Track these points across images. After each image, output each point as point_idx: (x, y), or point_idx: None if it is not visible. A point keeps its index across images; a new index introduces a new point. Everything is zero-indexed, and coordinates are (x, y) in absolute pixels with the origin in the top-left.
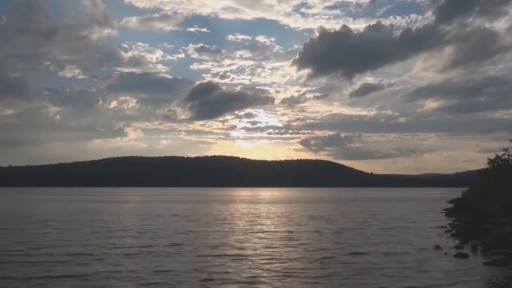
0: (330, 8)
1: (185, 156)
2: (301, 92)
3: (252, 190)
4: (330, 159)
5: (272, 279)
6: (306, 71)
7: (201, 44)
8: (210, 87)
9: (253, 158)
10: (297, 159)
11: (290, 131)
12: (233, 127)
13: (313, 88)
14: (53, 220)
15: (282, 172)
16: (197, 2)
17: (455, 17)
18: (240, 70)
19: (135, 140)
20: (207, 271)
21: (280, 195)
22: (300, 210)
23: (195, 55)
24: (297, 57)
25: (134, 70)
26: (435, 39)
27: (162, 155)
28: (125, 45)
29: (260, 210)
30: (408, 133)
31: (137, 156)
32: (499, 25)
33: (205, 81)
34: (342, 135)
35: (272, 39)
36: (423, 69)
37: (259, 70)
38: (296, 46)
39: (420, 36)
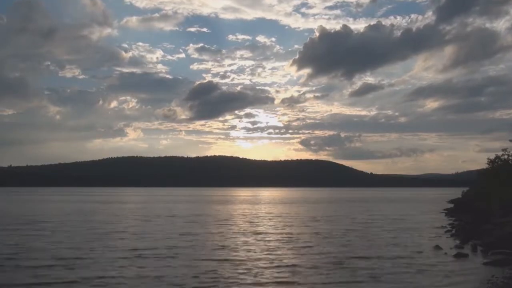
0: (330, 8)
1: (185, 156)
2: (301, 92)
3: (252, 190)
4: (330, 159)
5: (274, 287)
6: (306, 71)
7: (202, 44)
8: (210, 87)
9: (253, 158)
10: (297, 159)
11: (290, 131)
12: (233, 127)
13: (313, 88)
14: (47, 221)
15: (282, 172)
16: (198, 2)
17: (456, 17)
18: (240, 70)
19: (135, 140)
20: (203, 277)
21: (280, 195)
22: (301, 211)
23: (196, 55)
24: (297, 57)
25: (134, 70)
26: (435, 39)
27: (162, 155)
28: (125, 45)
29: (260, 211)
30: (408, 133)
31: (137, 156)
32: (500, 25)
33: (205, 81)
34: (342, 135)
35: (273, 39)
36: (424, 69)
37: (259, 70)
38: (296, 46)
39: (420, 36)
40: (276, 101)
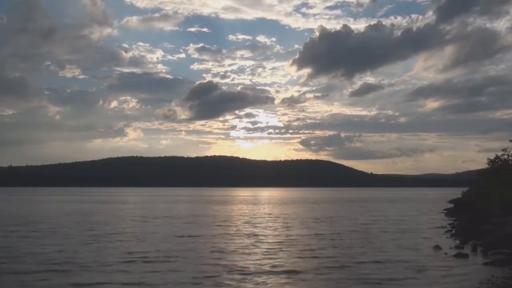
0: (331, 8)
1: (185, 156)
2: (301, 92)
3: (252, 190)
4: (330, 159)
5: None
6: (306, 71)
7: (202, 44)
8: (210, 87)
9: (253, 158)
10: (297, 159)
11: (290, 131)
12: (233, 127)
13: (314, 88)
14: (44, 222)
15: (282, 172)
16: (198, 2)
17: (456, 16)
18: (240, 70)
19: (135, 140)
20: (200, 284)
21: (280, 195)
22: (301, 211)
23: (196, 55)
24: (297, 56)
25: (134, 70)
26: (435, 38)
27: (162, 155)
28: (126, 45)
29: (260, 212)
30: (409, 133)
31: (137, 156)
32: (500, 24)
33: (205, 81)
34: (342, 135)
35: (273, 39)
36: (424, 68)
37: (259, 70)
38: (296, 46)
39: (420, 36)
40: (276, 101)
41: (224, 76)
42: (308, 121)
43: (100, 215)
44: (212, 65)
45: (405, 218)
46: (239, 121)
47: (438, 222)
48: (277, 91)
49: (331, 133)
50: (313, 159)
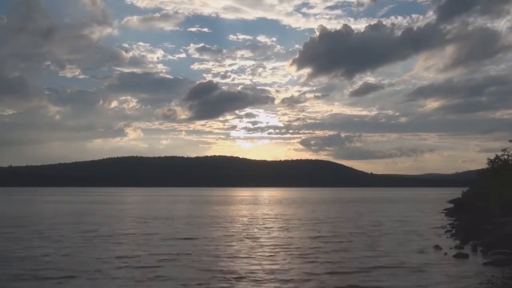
0: (331, 8)
1: (185, 156)
2: (302, 92)
3: (252, 190)
4: (330, 159)
5: None
6: (306, 71)
7: (202, 44)
8: (210, 87)
9: (253, 158)
10: (297, 159)
11: (290, 131)
12: (234, 127)
13: (314, 88)
14: (38, 223)
15: (282, 172)
16: (198, 1)
17: (456, 16)
18: (241, 70)
19: (135, 140)
20: None
21: (280, 195)
22: (301, 212)
23: (196, 55)
24: (297, 56)
25: (134, 70)
26: (436, 38)
27: (162, 155)
28: (126, 45)
29: (259, 212)
30: (409, 133)
31: (137, 156)
32: (501, 24)
33: (205, 81)
34: (343, 135)
35: (273, 39)
36: (424, 68)
37: (260, 70)
38: (297, 46)
39: (421, 36)
40: (277, 101)
41: (224, 76)
42: (308, 121)
43: (98, 216)
44: (213, 65)
45: (405, 218)
46: (239, 121)
47: (438, 222)
48: (277, 91)
49: (331, 133)
50: (313, 159)
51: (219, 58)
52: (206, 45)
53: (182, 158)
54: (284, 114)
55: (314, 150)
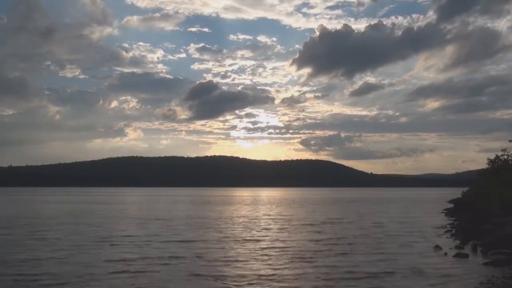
0: (331, 8)
1: (185, 156)
2: (302, 92)
3: (252, 190)
4: (330, 159)
5: None
6: (306, 71)
7: (202, 44)
8: (210, 87)
9: (253, 158)
10: (297, 159)
11: (290, 131)
12: (234, 127)
13: (314, 88)
14: (40, 223)
15: (282, 172)
16: (199, 1)
17: (457, 16)
18: (241, 70)
19: (135, 140)
20: None
21: (280, 195)
22: (301, 213)
23: (196, 55)
24: (297, 56)
25: (134, 70)
26: (436, 38)
27: (162, 155)
28: (126, 45)
29: (259, 213)
30: (409, 133)
31: (137, 156)
32: (501, 24)
33: (205, 81)
34: (343, 135)
35: (274, 39)
36: (424, 68)
37: (260, 70)
38: (297, 46)
39: (421, 35)
40: (277, 101)
41: (224, 76)
42: (308, 121)
43: (96, 216)
44: (213, 65)
45: (405, 218)
46: (239, 121)
47: (438, 222)
48: (278, 91)
49: (331, 133)
50: (313, 159)
51: (219, 58)
52: (206, 45)
53: (182, 158)
54: (284, 114)
55: (314, 150)
